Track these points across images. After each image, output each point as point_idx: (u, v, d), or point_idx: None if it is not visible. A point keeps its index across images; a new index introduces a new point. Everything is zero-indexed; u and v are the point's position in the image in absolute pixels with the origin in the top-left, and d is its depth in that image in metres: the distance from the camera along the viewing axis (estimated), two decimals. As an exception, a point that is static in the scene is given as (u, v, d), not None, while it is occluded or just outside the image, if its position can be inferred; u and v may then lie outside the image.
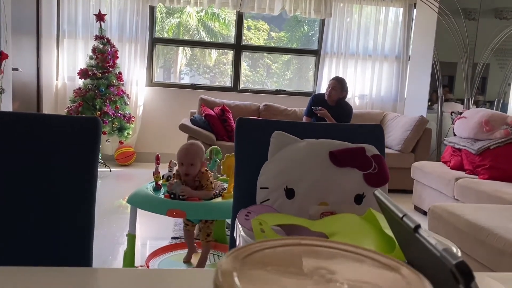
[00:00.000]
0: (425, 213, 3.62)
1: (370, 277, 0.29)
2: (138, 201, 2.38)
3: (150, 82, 5.34)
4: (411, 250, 0.53)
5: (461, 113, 3.93)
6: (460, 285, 0.38)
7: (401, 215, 0.51)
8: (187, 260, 2.41)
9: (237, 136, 1.22)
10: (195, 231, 2.78)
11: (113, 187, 4.16)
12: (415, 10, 5.52)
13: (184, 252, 2.49)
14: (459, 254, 0.80)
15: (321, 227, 0.87)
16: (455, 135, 3.86)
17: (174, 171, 2.47)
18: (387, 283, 0.28)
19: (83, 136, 0.95)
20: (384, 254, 0.77)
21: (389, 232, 0.79)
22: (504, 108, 4.97)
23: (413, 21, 5.54)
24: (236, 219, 0.92)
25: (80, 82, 4.67)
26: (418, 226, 0.47)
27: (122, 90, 4.73)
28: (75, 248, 0.95)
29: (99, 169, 4.51)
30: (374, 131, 1.27)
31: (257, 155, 1.17)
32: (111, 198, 3.70)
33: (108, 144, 5.01)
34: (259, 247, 0.31)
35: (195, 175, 2.21)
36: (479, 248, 2.09)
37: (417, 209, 3.93)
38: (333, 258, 0.31)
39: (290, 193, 1.08)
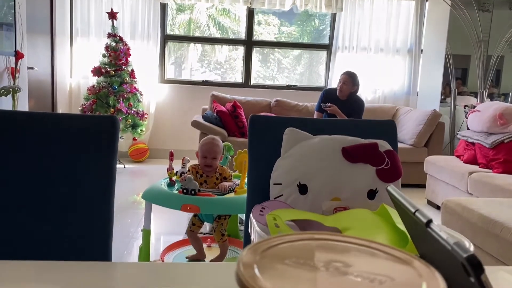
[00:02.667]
0: (438, 207, 3.61)
1: (383, 269, 0.31)
2: (153, 197, 2.42)
3: (162, 79, 5.38)
4: (424, 245, 0.54)
5: (474, 107, 3.89)
6: (471, 277, 0.40)
7: (413, 210, 0.53)
8: (192, 259, 2.40)
9: (250, 132, 1.24)
10: (207, 228, 2.80)
11: (128, 183, 4.21)
12: (427, 3, 5.46)
13: (198, 247, 2.51)
14: (472, 248, 0.81)
15: (335, 222, 0.88)
16: (468, 128, 3.83)
17: (187, 167, 2.51)
18: (400, 275, 0.30)
19: (101, 134, 0.98)
20: (397, 248, 0.78)
21: (402, 227, 0.81)
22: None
23: (425, 14, 5.49)
24: (251, 214, 0.94)
25: (93, 80, 4.73)
26: (430, 221, 0.48)
27: (135, 88, 4.78)
28: (95, 243, 0.98)
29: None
30: (386, 126, 1.27)
31: (270, 151, 1.19)
32: (125, 194, 3.76)
33: (122, 141, 5.07)
34: (277, 241, 0.33)
35: (216, 167, 2.34)
36: (493, 242, 2.08)
37: (430, 203, 3.92)
38: (348, 251, 0.33)
39: (303, 188, 1.10)
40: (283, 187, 1.11)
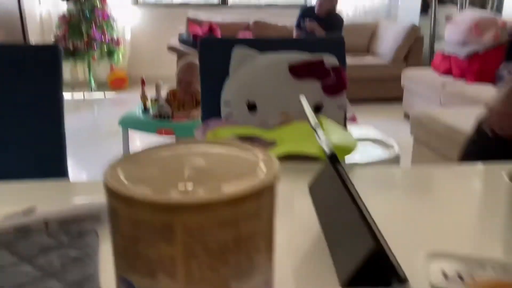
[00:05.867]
0: (413, 120, 3.71)
1: (224, 153, 0.37)
2: (129, 123, 2.48)
3: (135, 1, 5.17)
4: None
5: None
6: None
7: (312, 122, 0.58)
8: None
9: (201, 55, 1.25)
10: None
11: (109, 112, 4.23)
12: None
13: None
14: (396, 148, 0.88)
15: (273, 135, 0.94)
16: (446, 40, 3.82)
17: (164, 92, 2.53)
18: (240, 154, 0.36)
19: (43, 64, 1.00)
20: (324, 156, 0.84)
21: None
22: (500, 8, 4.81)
23: None
24: (195, 133, 0.99)
25: (64, 8, 4.55)
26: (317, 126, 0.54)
27: (107, 13, 4.61)
28: (51, 164, 1.04)
29: (94, 96, 4.52)
30: (335, 43, 1.29)
31: (222, 73, 1.21)
32: (107, 123, 3.80)
33: (100, 70, 5.00)
34: (146, 152, 0.38)
35: (192, 92, 2.39)
36: (457, 150, 2.19)
37: (407, 116, 4.01)
38: (209, 148, 0.38)
39: (252, 106, 1.14)
40: (233, 106, 1.16)
